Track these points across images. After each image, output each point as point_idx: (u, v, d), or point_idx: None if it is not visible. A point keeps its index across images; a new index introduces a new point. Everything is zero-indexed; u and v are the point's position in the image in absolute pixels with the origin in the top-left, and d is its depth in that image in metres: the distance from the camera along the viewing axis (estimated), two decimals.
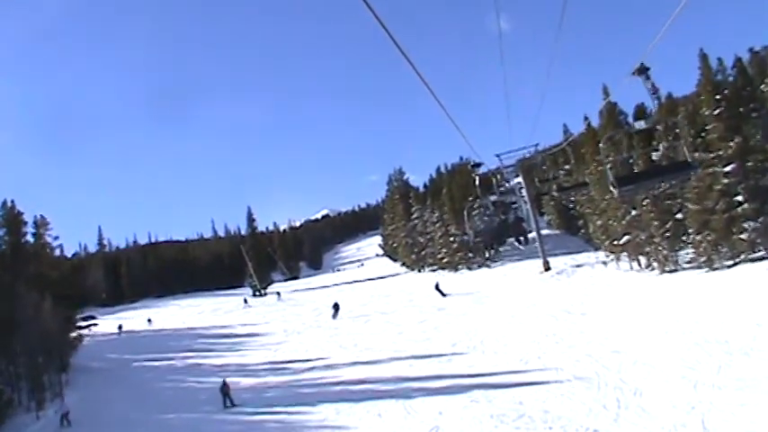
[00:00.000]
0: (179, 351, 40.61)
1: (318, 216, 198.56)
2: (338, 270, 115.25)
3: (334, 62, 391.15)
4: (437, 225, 70.38)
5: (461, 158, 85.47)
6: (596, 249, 51.39)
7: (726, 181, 31.27)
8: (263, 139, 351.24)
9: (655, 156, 36.25)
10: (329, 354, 31.74)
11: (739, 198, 30.98)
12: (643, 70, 8.73)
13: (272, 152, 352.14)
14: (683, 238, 35.20)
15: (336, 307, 43.88)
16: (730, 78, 34.41)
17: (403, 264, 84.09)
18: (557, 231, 73.33)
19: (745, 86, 32.82)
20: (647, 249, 38.49)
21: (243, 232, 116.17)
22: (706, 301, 25.69)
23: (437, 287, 45.02)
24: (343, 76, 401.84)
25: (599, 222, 46.40)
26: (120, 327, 55.16)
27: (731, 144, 31.21)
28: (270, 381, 28.59)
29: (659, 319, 24.04)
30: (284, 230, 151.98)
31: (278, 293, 74.20)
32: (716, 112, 32.08)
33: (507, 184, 44.19)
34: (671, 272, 35.65)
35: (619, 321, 25.66)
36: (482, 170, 39.29)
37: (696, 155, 30.42)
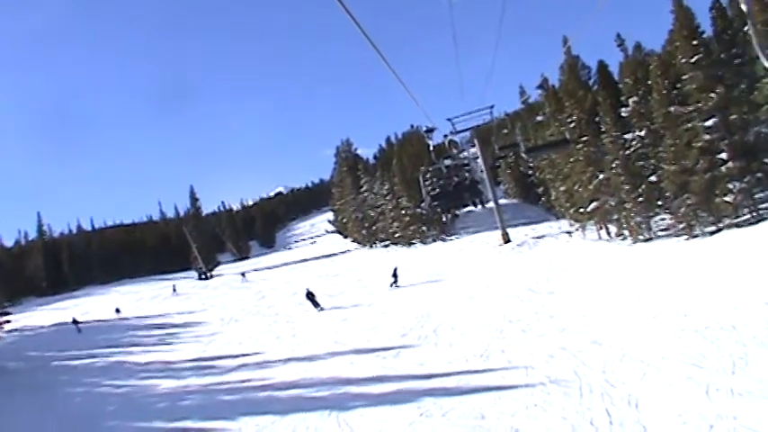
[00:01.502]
0: (105, 346, 37.31)
1: (272, 194, 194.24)
2: (290, 248, 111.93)
3: (291, 42, 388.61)
4: (388, 197, 66.72)
5: (412, 126, 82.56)
6: (559, 218, 48.85)
7: (707, 137, 27.65)
8: (218, 119, 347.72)
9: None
10: (263, 347, 28.44)
11: (723, 156, 27.40)
12: None
13: (227, 131, 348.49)
14: (659, 202, 31.69)
15: (311, 296, 35.91)
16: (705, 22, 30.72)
17: (354, 240, 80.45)
18: (514, 200, 70.77)
19: (725, 29, 28.98)
20: (617, 216, 35.07)
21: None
22: (694, 276, 21.88)
23: (394, 274, 38.49)
24: (298, 54, 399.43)
25: (562, 188, 42.68)
26: (74, 320, 48.23)
27: (712, 95, 27.57)
28: (191, 384, 24.76)
29: (643, 299, 20.20)
30: (236, 210, 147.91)
31: (242, 274, 69.56)
32: (693, 59, 28.39)
33: (463, 155, 40.63)
34: (645, 241, 32.27)
35: (594, 302, 21.80)
36: (435, 137, 35.75)
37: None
